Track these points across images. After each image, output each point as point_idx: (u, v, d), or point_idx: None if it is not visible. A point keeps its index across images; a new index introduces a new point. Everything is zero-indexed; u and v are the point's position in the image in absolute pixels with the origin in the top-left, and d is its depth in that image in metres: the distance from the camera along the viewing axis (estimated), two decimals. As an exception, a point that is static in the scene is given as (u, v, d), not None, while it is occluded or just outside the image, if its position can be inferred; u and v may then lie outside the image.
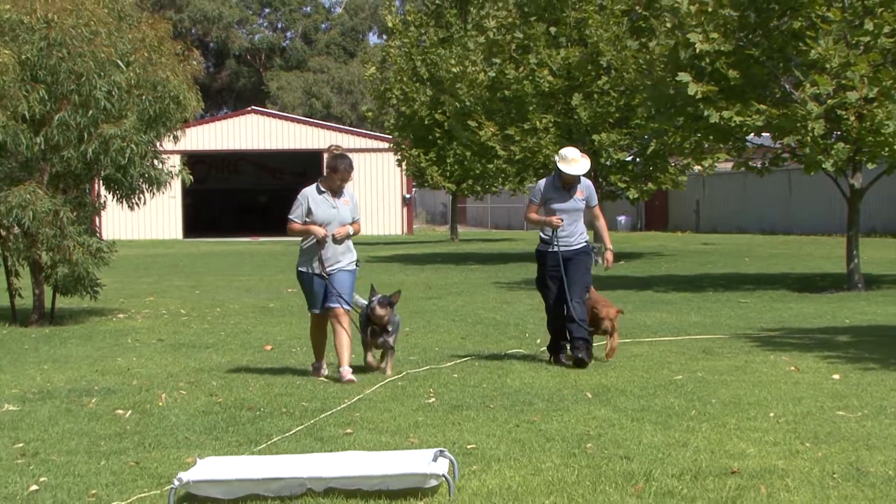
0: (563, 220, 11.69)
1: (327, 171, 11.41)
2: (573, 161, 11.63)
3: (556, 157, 11.90)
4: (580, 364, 11.44)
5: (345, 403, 9.81)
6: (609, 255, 12.22)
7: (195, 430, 8.93)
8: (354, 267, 11.45)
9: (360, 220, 11.70)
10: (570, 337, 11.71)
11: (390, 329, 11.39)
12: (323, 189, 11.29)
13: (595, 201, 12.09)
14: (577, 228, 11.85)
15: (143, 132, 16.59)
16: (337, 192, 11.29)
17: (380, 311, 11.26)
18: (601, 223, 12.21)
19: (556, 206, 11.78)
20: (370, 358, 11.60)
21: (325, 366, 11.52)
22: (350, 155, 11.65)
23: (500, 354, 12.78)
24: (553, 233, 11.73)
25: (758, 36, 20.20)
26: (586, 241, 11.93)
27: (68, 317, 17.65)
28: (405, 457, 7.17)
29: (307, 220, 11.22)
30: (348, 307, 11.30)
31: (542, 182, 12.05)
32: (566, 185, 11.78)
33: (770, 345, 13.28)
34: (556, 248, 11.72)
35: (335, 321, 11.27)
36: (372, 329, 11.38)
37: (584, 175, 11.87)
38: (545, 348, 12.27)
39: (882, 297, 19.08)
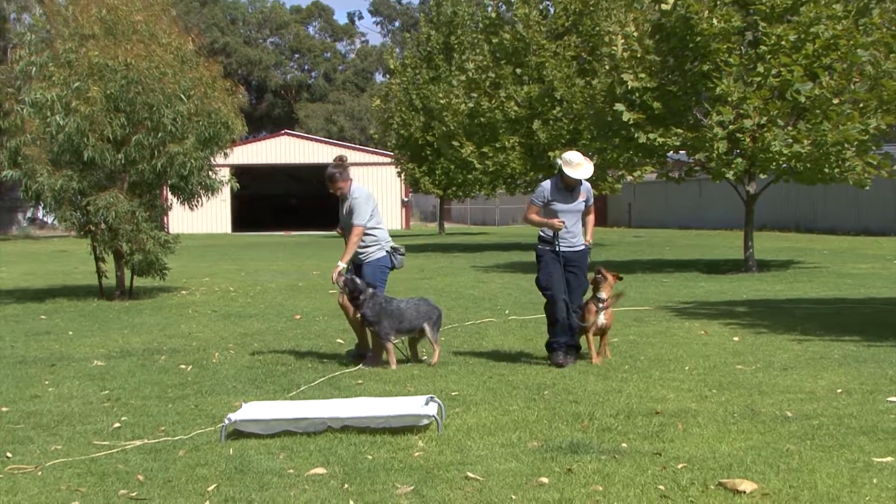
0: (564, 222, 9.51)
1: None
2: (578, 165, 9.46)
3: (560, 161, 9.67)
4: (559, 366, 9.30)
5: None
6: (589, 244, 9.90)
7: (241, 381, 8.92)
8: (377, 256, 9.80)
9: (360, 222, 9.69)
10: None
11: (361, 306, 9.46)
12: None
13: (592, 201, 9.84)
14: (578, 229, 9.70)
15: (201, 150, 16.56)
16: (340, 199, 9.93)
17: (338, 276, 9.60)
18: (590, 218, 9.91)
19: (558, 207, 9.54)
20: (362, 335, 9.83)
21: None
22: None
23: (477, 322, 12.80)
24: (555, 234, 9.55)
25: (676, 76, 20.23)
26: (584, 245, 9.77)
27: (143, 293, 17.62)
28: (404, 402, 7.18)
29: None
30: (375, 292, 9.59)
31: (546, 184, 9.73)
32: (569, 187, 9.57)
33: (685, 314, 13.31)
34: (558, 249, 9.57)
35: None
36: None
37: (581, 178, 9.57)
38: (547, 355, 9.66)
39: (771, 277, 19.14)
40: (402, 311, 9.56)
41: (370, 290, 9.55)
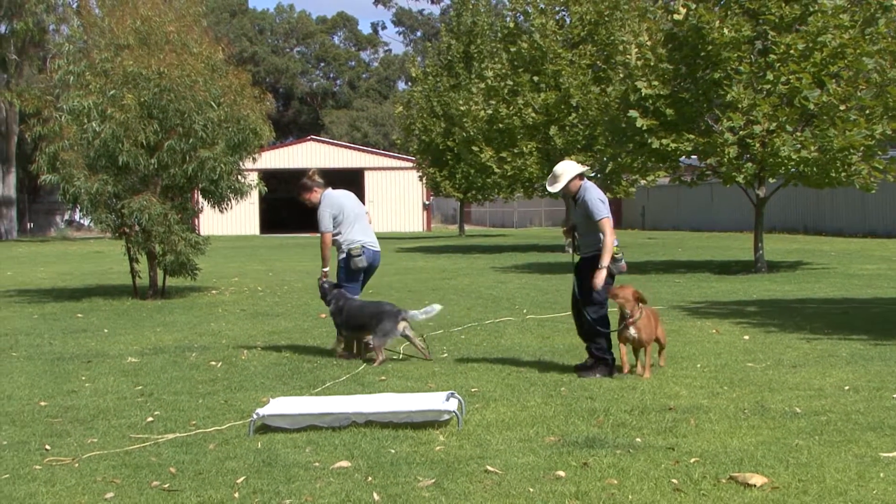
0: (569, 230, 8.88)
1: None
2: (552, 176, 8.72)
3: None
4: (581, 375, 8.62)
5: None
6: (598, 274, 8.47)
7: (269, 377, 8.94)
8: (339, 258, 10.37)
9: (322, 229, 10.37)
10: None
11: (329, 304, 10.12)
12: None
13: (598, 215, 8.49)
14: (587, 239, 8.69)
15: (230, 155, 16.60)
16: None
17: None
18: (605, 239, 8.49)
19: (571, 215, 9.00)
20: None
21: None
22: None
23: (496, 321, 12.78)
24: (567, 241, 8.98)
25: (688, 83, 20.17)
26: (598, 251, 8.56)
27: (175, 292, 17.68)
28: (425, 397, 7.17)
29: None
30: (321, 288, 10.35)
31: None
32: (571, 197, 8.82)
33: (697, 314, 13.26)
34: (569, 252, 9.02)
35: None
36: None
37: (562, 189, 8.66)
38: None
39: (780, 278, 19.04)
40: (350, 310, 9.90)
41: (336, 290, 10.07)
